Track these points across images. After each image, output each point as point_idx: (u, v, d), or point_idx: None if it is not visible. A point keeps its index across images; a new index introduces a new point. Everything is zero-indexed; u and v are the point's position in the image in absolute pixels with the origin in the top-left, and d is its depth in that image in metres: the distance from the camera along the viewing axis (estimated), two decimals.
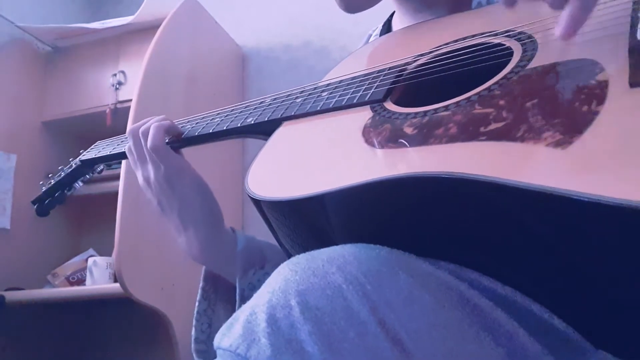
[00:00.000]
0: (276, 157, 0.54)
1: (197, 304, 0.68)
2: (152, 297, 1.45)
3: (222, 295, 0.68)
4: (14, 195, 1.74)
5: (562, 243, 0.35)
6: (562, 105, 0.39)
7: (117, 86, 1.78)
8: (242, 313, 0.37)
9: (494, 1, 0.64)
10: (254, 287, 0.64)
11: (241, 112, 0.65)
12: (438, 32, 0.62)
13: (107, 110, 1.75)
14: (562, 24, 0.40)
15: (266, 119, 0.60)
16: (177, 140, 0.68)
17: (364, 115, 0.52)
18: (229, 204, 1.77)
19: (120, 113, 1.72)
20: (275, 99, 0.64)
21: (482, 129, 0.40)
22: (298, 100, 0.60)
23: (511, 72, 0.46)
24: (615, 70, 0.39)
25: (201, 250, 0.65)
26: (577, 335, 0.38)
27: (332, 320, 0.34)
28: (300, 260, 0.38)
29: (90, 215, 2.01)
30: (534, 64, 0.45)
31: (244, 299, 0.63)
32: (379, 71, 0.58)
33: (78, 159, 0.82)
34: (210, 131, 0.65)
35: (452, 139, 0.41)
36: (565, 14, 0.39)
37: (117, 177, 1.50)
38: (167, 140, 0.67)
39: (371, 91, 0.54)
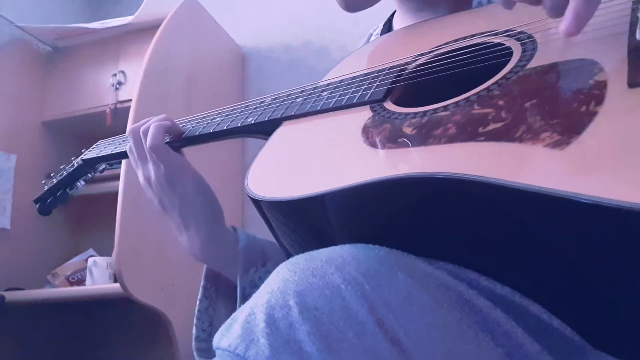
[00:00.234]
0: (276, 157, 0.55)
1: (198, 302, 0.68)
2: (152, 297, 1.46)
3: (223, 294, 0.68)
4: (14, 195, 1.74)
5: (561, 244, 0.35)
6: (561, 105, 0.39)
7: (117, 86, 1.78)
8: (241, 313, 0.37)
9: (494, 0, 0.64)
10: (255, 285, 0.64)
11: (241, 111, 0.65)
12: (438, 31, 0.62)
13: (107, 110, 1.76)
14: (566, 21, 0.39)
15: (266, 119, 0.60)
16: (178, 140, 0.68)
17: (364, 115, 0.52)
18: (229, 203, 1.77)
19: (120, 113, 1.72)
20: (275, 98, 0.64)
21: (480, 130, 0.40)
22: (298, 100, 0.60)
23: (510, 72, 0.46)
24: (614, 70, 0.39)
25: (202, 249, 0.66)
26: (576, 336, 0.38)
27: (330, 320, 0.34)
28: (299, 261, 0.38)
29: (90, 215, 2.01)
30: (533, 63, 0.45)
31: (245, 297, 0.63)
32: (378, 71, 0.58)
33: (80, 158, 0.82)
34: (211, 131, 0.65)
35: (451, 140, 0.41)
36: (569, 10, 0.39)
37: (117, 177, 1.50)
38: (167, 140, 0.67)
39: (371, 91, 0.55)
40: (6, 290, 1.63)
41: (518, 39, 0.50)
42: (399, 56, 0.59)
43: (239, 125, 0.63)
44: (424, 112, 0.47)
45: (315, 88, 0.61)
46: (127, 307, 1.56)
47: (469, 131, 0.41)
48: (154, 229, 1.46)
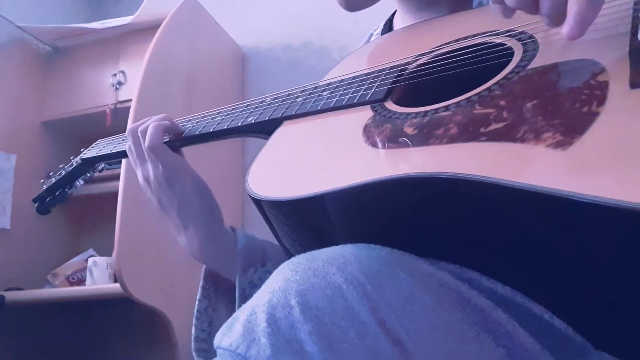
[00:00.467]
0: (277, 156, 0.54)
1: (197, 302, 0.68)
2: (151, 297, 1.46)
3: (223, 294, 0.68)
4: (13, 195, 1.74)
5: (563, 244, 0.35)
6: (563, 105, 0.39)
7: (117, 86, 1.78)
8: (242, 313, 0.37)
9: None
10: (255, 285, 0.64)
11: (242, 111, 0.65)
12: (439, 31, 0.62)
13: (107, 110, 1.76)
14: (569, 23, 0.38)
15: (267, 119, 0.60)
16: (178, 139, 0.68)
17: (365, 114, 0.52)
18: (229, 203, 1.77)
19: (120, 113, 1.72)
20: (275, 98, 0.64)
21: (482, 130, 0.40)
22: (299, 99, 0.60)
23: (512, 72, 0.46)
24: (616, 70, 0.39)
25: (201, 249, 0.66)
26: (577, 336, 0.38)
27: (332, 320, 0.34)
28: (300, 261, 0.38)
29: (90, 215, 2.01)
30: (534, 64, 0.45)
31: (244, 298, 0.63)
32: (379, 71, 0.58)
33: (79, 157, 0.82)
34: (211, 130, 0.65)
35: (453, 139, 0.41)
36: (572, 13, 0.38)
37: (117, 177, 1.50)
38: (167, 139, 0.67)
39: (372, 91, 0.54)
40: (6, 290, 1.63)
41: (519, 39, 0.50)
42: (399, 56, 0.59)
43: (239, 124, 0.63)
44: (425, 112, 0.47)
45: (315, 88, 0.61)
46: (127, 307, 1.56)
47: (470, 131, 0.41)
48: (154, 229, 1.46)
